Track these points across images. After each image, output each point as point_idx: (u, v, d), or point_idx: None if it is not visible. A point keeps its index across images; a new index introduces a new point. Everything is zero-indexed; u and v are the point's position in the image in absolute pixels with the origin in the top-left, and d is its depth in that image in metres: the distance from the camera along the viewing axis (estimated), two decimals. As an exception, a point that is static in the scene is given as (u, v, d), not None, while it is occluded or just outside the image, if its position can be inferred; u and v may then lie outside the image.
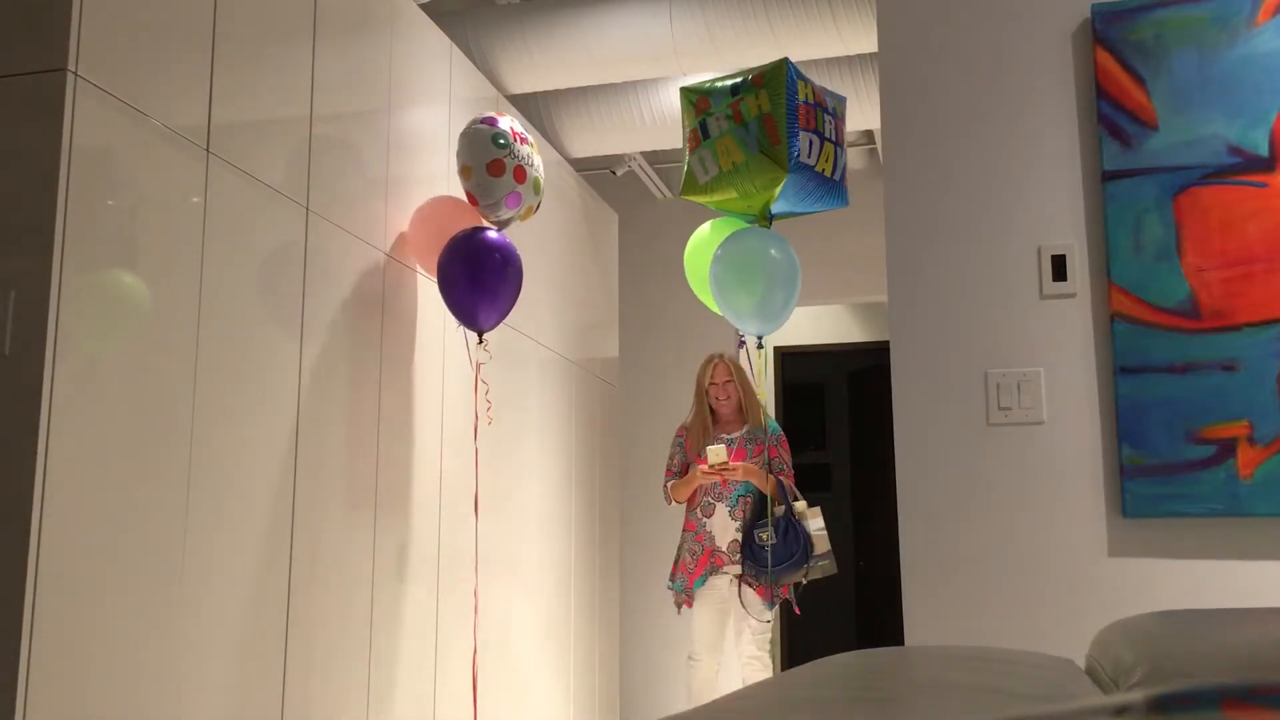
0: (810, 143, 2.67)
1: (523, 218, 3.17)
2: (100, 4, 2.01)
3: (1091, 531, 2.10)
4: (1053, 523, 2.12)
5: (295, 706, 2.52)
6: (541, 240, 3.93)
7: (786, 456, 3.86)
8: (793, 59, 3.66)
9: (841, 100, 2.87)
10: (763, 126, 2.65)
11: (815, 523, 3.64)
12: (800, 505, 3.67)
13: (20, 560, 1.80)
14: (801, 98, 2.67)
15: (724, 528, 3.74)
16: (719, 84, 2.79)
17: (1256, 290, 2.04)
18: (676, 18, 3.70)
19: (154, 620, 2.09)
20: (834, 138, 2.78)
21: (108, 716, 1.97)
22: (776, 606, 3.81)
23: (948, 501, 2.18)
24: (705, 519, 3.78)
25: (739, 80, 2.75)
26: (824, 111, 2.73)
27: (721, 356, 3.91)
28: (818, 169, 2.70)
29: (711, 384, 3.87)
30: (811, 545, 3.60)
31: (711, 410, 3.88)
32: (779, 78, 2.64)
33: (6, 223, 1.91)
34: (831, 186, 2.79)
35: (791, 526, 3.58)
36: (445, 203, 3.18)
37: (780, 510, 3.63)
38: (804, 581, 3.68)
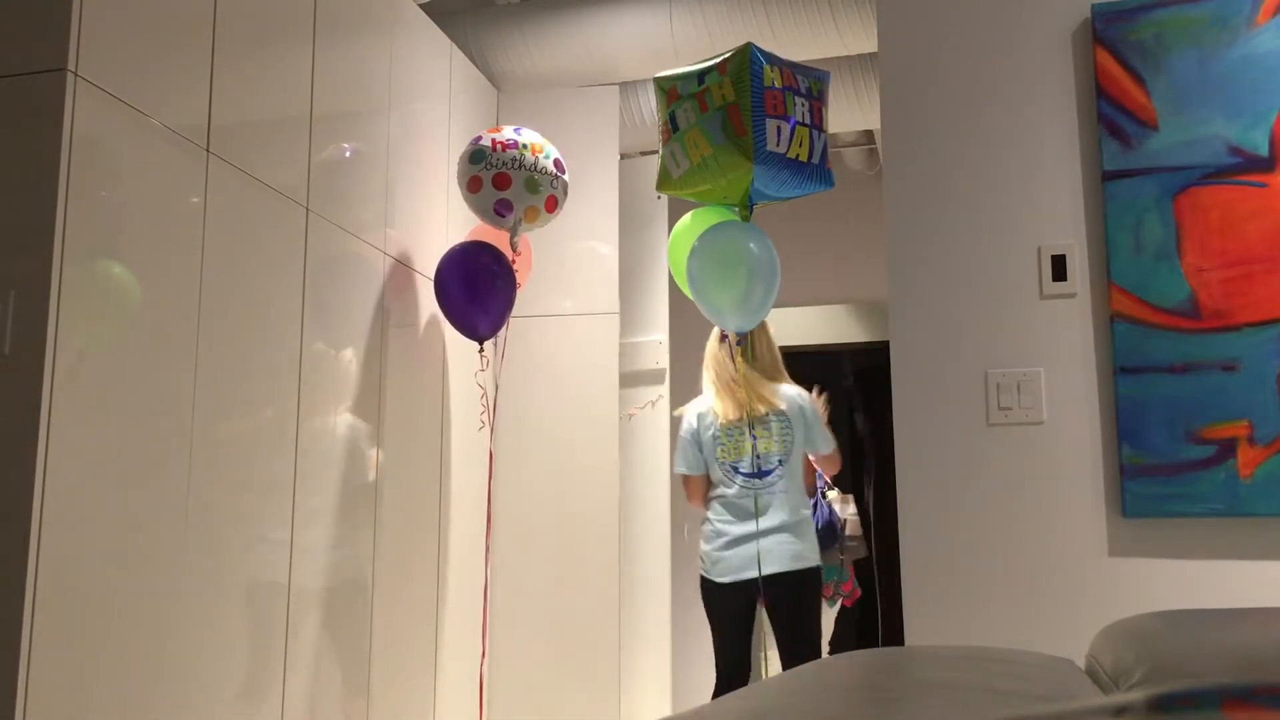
0: (778, 129, 2.56)
1: (527, 220, 3.18)
2: (100, 4, 2.01)
3: (1091, 531, 2.10)
4: (1053, 523, 2.12)
5: (296, 706, 2.52)
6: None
7: None
8: (792, 59, 3.66)
9: (820, 77, 2.73)
10: (727, 117, 2.57)
11: (848, 508, 3.90)
12: (833, 494, 3.92)
13: (20, 560, 1.80)
14: (768, 83, 2.55)
15: None
16: (688, 71, 2.68)
17: (1256, 290, 2.04)
18: (676, 18, 3.70)
19: (154, 620, 2.09)
20: (807, 120, 2.65)
21: (107, 716, 1.97)
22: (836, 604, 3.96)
23: (948, 501, 2.18)
24: None
25: (705, 68, 2.64)
26: (795, 94, 2.61)
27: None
28: (790, 155, 2.59)
29: None
30: (844, 528, 3.84)
31: None
32: (743, 64, 2.54)
33: (6, 223, 1.91)
34: (810, 171, 2.67)
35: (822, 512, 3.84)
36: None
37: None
38: (844, 565, 3.88)
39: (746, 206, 2.76)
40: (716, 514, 3.32)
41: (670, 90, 2.71)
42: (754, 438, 3.31)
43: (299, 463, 2.57)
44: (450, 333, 3.39)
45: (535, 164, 3.17)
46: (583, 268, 3.87)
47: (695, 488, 3.37)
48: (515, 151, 3.15)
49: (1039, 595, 2.10)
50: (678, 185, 2.73)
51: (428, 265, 3.25)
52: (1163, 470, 2.05)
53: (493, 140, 3.16)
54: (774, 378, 3.42)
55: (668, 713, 4.08)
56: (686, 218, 3.21)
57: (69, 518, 1.89)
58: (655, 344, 4.23)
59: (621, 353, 3.87)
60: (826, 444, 3.43)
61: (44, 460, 1.84)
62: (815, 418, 3.40)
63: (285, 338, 2.56)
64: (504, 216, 3.14)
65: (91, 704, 1.94)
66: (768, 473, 3.31)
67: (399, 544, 3.04)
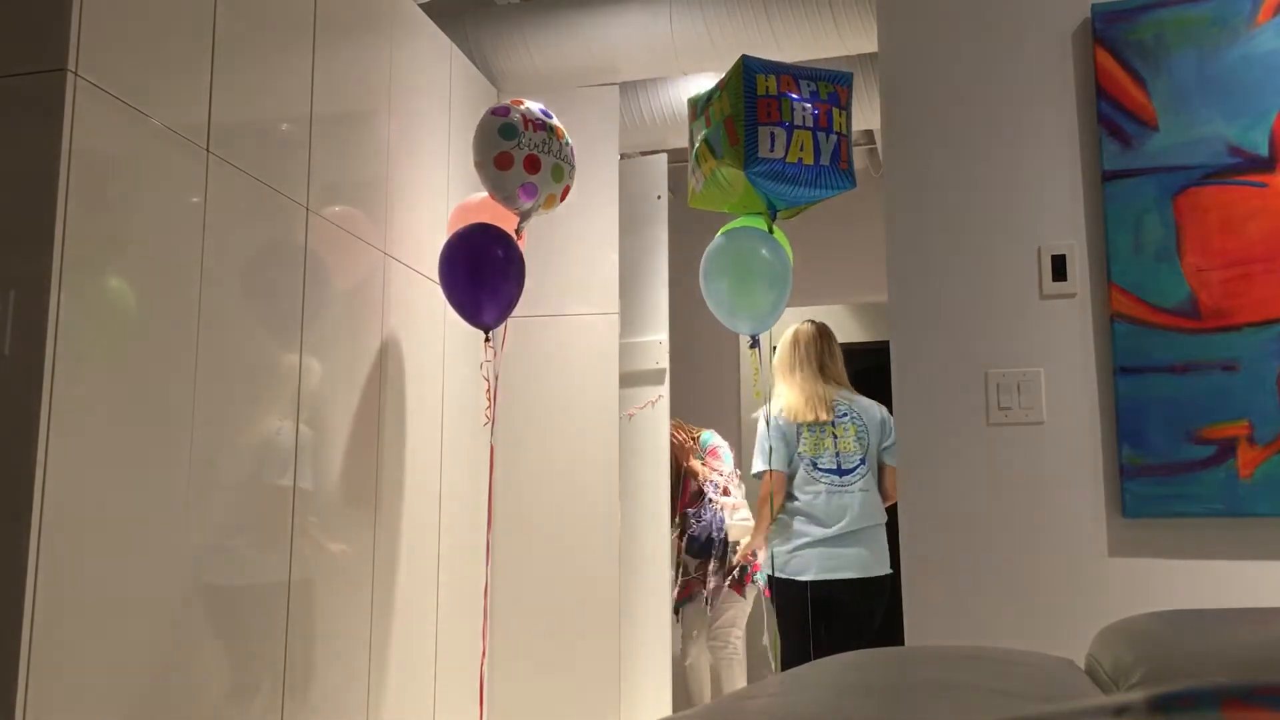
0: (772, 136, 2.58)
1: (545, 207, 3.07)
2: (100, 4, 2.01)
3: (1091, 531, 2.10)
4: (1053, 523, 2.12)
5: (295, 705, 2.52)
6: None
7: (714, 462, 4.45)
8: (792, 59, 3.67)
9: (836, 79, 2.71)
10: (724, 129, 2.63)
11: (737, 514, 4.26)
12: (724, 500, 4.31)
13: (20, 560, 1.80)
14: (761, 91, 2.59)
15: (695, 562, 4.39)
16: (707, 90, 2.79)
17: (1256, 290, 2.04)
18: (676, 18, 3.70)
19: (154, 620, 2.09)
20: (810, 123, 2.64)
21: (107, 716, 1.97)
22: (737, 598, 4.34)
23: (948, 501, 2.18)
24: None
25: (714, 85, 2.74)
26: (794, 99, 2.62)
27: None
28: (790, 160, 2.60)
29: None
30: (726, 538, 4.24)
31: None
32: (737, 77, 2.61)
33: (6, 223, 1.91)
34: (819, 173, 2.66)
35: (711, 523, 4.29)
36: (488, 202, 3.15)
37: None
38: (721, 559, 4.27)
39: (769, 215, 2.79)
40: (795, 517, 3.44)
41: (691, 110, 2.81)
42: (835, 437, 3.48)
43: (298, 462, 2.57)
44: (450, 333, 3.39)
45: (561, 150, 3.04)
46: (583, 268, 3.87)
47: (779, 483, 3.44)
48: (545, 134, 3.00)
49: (1039, 595, 2.10)
50: (701, 199, 2.81)
51: (427, 265, 3.25)
52: (1163, 470, 2.05)
53: (523, 117, 2.98)
54: (843, 385, 3.60)
55: (668, 713, 4.08)
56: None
57: (69, 518, 1.89)
58: (655, 344, 4.22)
59: (621, 353, 3.87)
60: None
61: (44, 460, 1.84)
62: (893, 431, 3.47)
63: (285, 337, 2.56)
64: (525, 201, 2.99)
65: (91, 703, 1.94)
66: (848, 471, 3.42)
67: (398, 543, 3.04)
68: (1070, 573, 2.09)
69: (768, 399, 3.79)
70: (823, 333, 3.68)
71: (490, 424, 3.30)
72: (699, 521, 4.25)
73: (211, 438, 2.26)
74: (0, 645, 1.78)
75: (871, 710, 0.74)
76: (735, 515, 4.27)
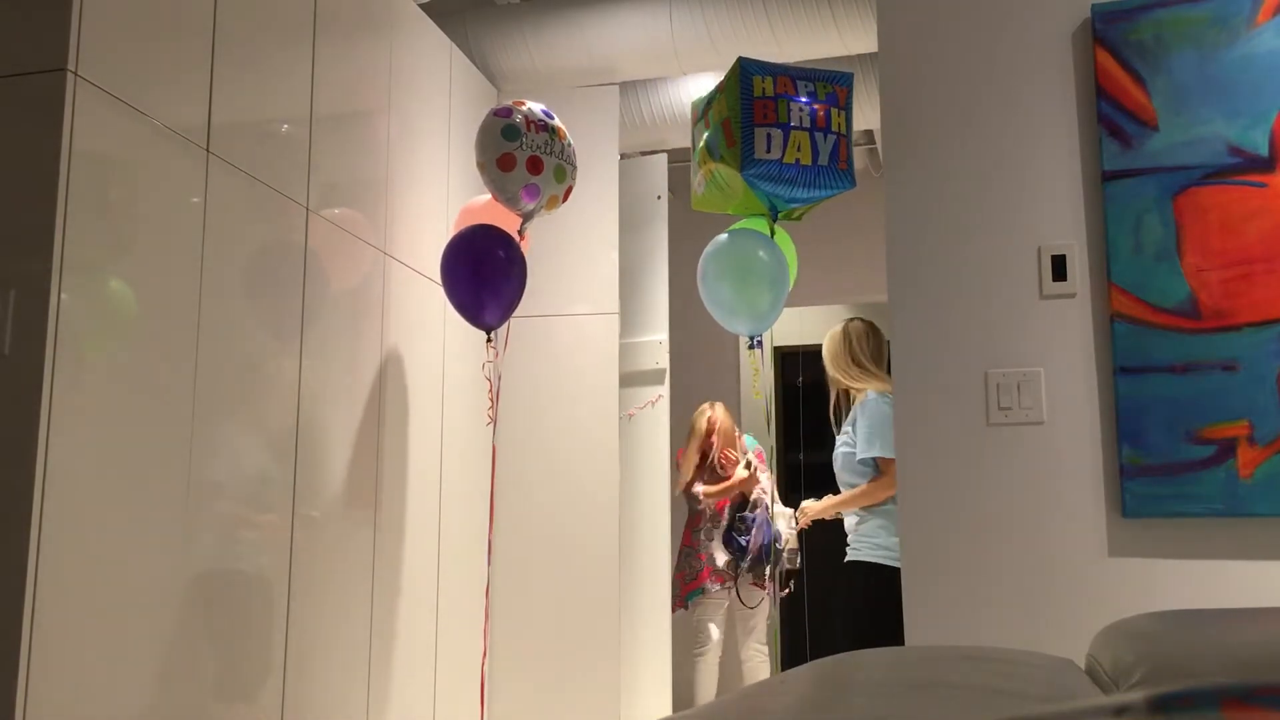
0: (769, 136, 2.59)
1: (548, 208, 3.07)
2: (100, 4, 2.01)
3: (1091, 531, 2.10)
4: (1053, 523, 2.12)
5: (295, 705, 2.52)
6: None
7: (761, 465, 4.59)
8: (792, 59, 3.67)
9: (835, 80, 2.71)
10: (721, 130, 2.64)
11: (793, 524, 4.31)
12: (780, 510, 4.43)
13: (20, 560, 1.80)
14: (758, 93, 2.60)
15: (719, 550, 4.45)
16: (707, 95, 2.80)
17: (1256, 290, 2.04)
18: (676, 18, 3.70)
19: (154, 621, 2.09)
20: (807, 124, 2.65)
21: (107, 717, 1.97)
22: (765, 599, 4.46)
23: (948, 501, 2.18)
24: (707, 542, 4.43)
25: (715, 88, 2.74)
26: (791, 100, 2.63)
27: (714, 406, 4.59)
28: (787, 160, 2.61)
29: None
30: (779, 541, 4.37)
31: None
32: (734, 79, 2.61)
33: (6, 223, 1.92)
34: (819, 173, 2.66)
35: (766, 526, 4.40)
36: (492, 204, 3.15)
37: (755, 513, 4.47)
38: (779, 569, 4.41)
39: (770, 216, 2.79)
40: None
41: (694, 113, 2.81)
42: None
43: (299, 462, 2.57)
44: (450, 332, 3.39)
45: (563, 151, 3.03)
46: (583, 268, 3.87)
47: None
48: (547, 135, 3.00)
49: (1039, 595, 2.10)
50: (703, 202, 2.82)
51: (427, 265, 3.25)
52: (1163, 470, 2.05)
53: (525, 118, 2.98)
54: None
55: (668, 713, 4.08)
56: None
57: (69, 518, 1.89)
58: (655, 344, 4.23)
59: (621, 353, 3.87)
60: None
61: (44, 460, 1.84)
62: None
63: (285, 337, 2.56)
64: (528, 202, 2.98)
65: (91, 704, 1.94)
66: None
67: (398, 543, 3.05)
68: (1070, 573, 2.09)
69: (768, 400, 3.80)
70: (874, 329, 3.62)
71: (493, 424, 3.29)
72: (754, 527, 4.38)
73: (211, 437, 2.26)
74: (0, 645, 1.78)
75: (871, 710, 0.74)
76: (790, 525, 4.38)
